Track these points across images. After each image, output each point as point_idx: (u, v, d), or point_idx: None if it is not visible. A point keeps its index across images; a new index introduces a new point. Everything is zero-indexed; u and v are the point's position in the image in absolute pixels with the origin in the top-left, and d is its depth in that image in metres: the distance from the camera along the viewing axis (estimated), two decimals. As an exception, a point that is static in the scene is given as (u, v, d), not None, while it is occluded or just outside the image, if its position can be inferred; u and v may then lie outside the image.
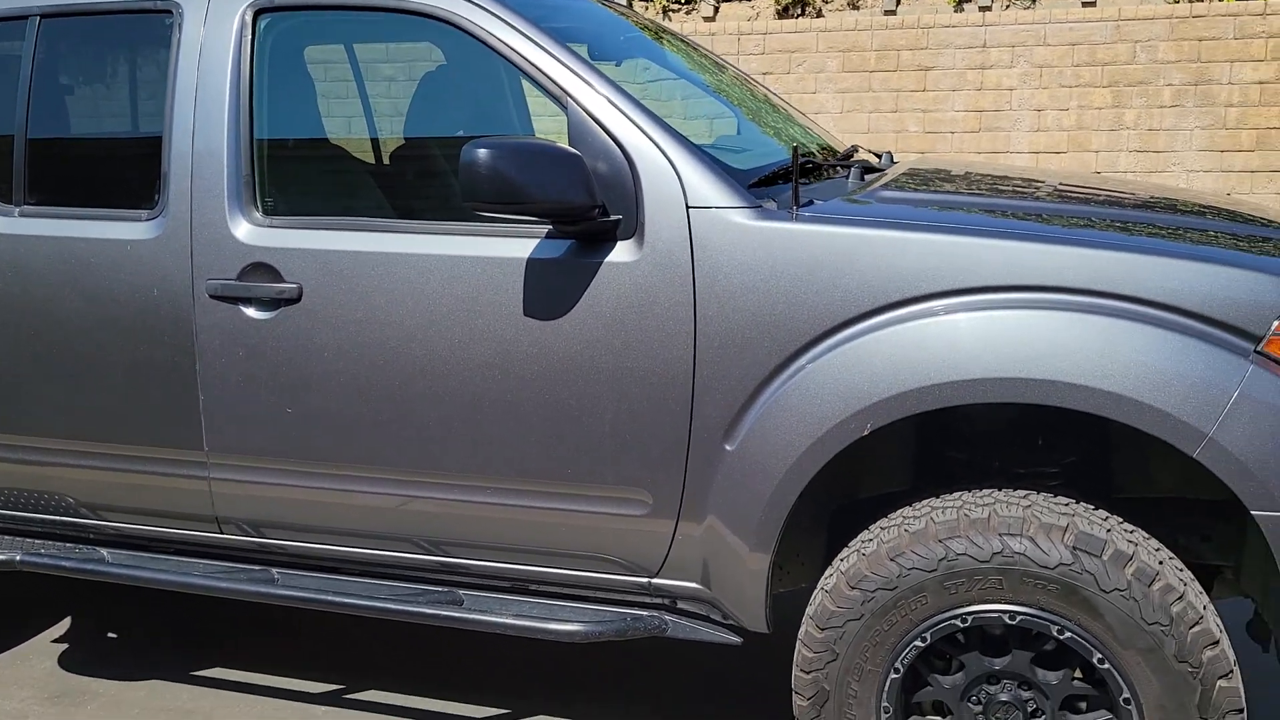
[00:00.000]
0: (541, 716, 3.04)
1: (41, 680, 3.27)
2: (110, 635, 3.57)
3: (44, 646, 3.48)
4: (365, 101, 3.99)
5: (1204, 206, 2.78)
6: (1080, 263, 2.14)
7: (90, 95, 3.06)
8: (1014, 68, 8.99)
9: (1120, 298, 2.11)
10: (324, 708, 3.10)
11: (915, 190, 2.66)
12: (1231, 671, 2.11)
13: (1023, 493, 2.26)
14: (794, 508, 2.48)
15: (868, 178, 2.79)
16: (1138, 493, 2.50)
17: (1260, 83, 8.45)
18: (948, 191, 2.70)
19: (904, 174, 2.90)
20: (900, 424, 2.55)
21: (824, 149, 3.27)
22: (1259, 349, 2.07)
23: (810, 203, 2.42)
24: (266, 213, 2.64)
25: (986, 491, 2.28)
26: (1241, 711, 2.12)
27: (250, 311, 2.61)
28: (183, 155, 2.65)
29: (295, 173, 2.75)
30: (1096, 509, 2.23)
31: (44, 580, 3.74)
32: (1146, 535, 2.21)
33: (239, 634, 3.55)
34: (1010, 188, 2.85)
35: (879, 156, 3.31)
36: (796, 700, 2.37)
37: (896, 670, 2.27)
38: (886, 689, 2.28)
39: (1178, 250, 2.18)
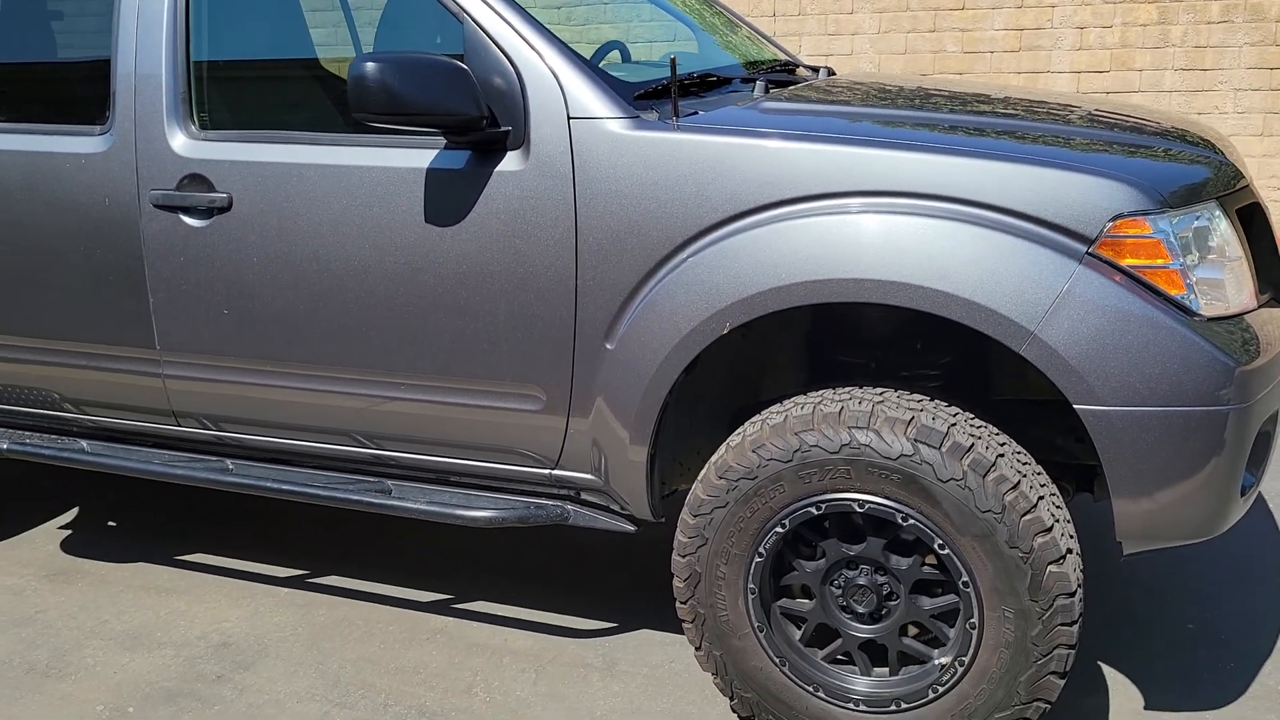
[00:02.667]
0: (480, 602, 3.27)
1: (42, 560, 3.61)
2: (110, 523, 3.90)
3: (50, 531, 3.83)
4: (355, 23, 4.16)
5: (1119, 116, 2.79)
6: (917, 168, 2.22)
7: (52, 22, 3.29)
8: (1056, -17, 8.72)
9: (957, 200, 2.19)
10: (287, 589, 3.38)
11: (795, 101, 2.73)
12: (1063, 558, 2.22)
13: (878, 390, 2.37)
14: (694, 406, 2.64)
15: (772, 91, 2.87)
16: (1014, 394, 2.59)
17: (1314, -5, 8.07)
18: (827, 102, 2.76)
19: (800, 87, 2.97)
20: (793, 327, 2.67)
21: (761, 63, 3.35)
22: (1090, 250, 2.14)
23: (694, 113, 2.52)
24: (202, 127, 2.84)
25: (846, 389, 2.40)
26: (1072, 595, 2.22)
27: (188, 220, 2.82)
28: (127, 76, 2.86)
29: (228, 90, 2.94)
30: (949, 406, 2.34)
31: (56, 472, 4.09)
32: (995, 431, 2.31)
33: (224, 524, 3.84)
34: (904, 99, 2.89)
35: (815, 70, 3.37)
36: (675, 582, 2.54)
37: (760, 554, 2.42)
38: (751, 571, 2.44)
39: (1013, 154, 2.23)
